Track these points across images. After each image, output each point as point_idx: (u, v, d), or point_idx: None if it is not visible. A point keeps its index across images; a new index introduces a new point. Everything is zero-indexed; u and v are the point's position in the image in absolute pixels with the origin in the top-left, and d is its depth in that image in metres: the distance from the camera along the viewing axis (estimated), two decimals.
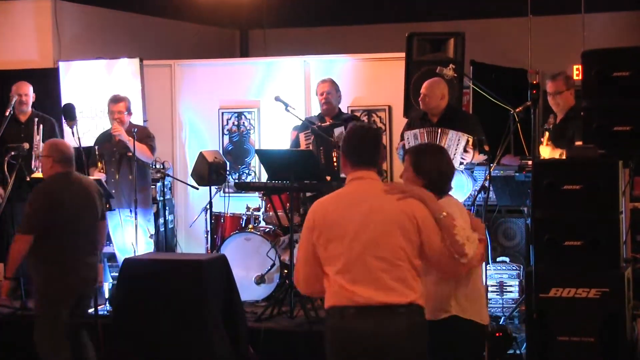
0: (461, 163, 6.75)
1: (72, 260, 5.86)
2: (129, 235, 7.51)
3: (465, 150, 6.74)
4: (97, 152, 7.67)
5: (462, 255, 4.00)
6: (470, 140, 6.77)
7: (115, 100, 7.68)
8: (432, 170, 4.31)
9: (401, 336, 3.88)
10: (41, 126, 7.96)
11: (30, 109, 8.15)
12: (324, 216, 4.01)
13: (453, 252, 3.99)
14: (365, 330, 3.88)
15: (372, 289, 3.89)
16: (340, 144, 7.17)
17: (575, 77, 8.19)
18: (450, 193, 4.41)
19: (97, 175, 7.54)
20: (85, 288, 6.02)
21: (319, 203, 4.11)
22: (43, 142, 7.91)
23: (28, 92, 8.12)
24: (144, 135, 7.67)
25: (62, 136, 8.19)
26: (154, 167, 8.22)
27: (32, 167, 7.76)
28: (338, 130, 7.39)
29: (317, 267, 4.00)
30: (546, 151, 6.53)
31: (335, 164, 7.27)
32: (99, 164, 7.60)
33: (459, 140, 6.75)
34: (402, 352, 3.90)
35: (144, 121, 8.60)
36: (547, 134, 6.63)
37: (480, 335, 4.44)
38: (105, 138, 7.74)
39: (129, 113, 7.70)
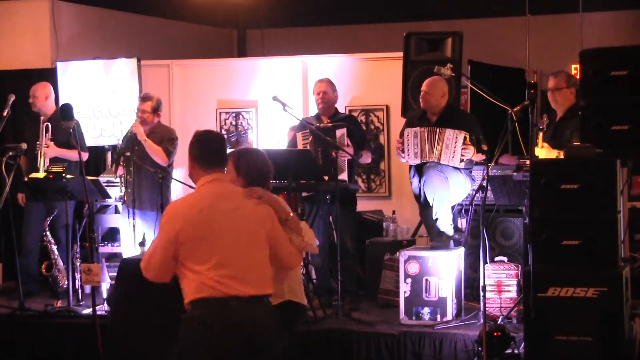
0: (462, 160, 6.74)
1: None
2: (136, 235, 7.46)
3: (464, 147, 6.74)
4: (117, 149, 7.70)
5: (306, 247, 4.66)
6: (467, 136, 6.76)
7: (143, 99, 7.71)
8: (251, 170, 4.62)
9: (268, 323, 4.26)
10: (48, 126, 7.85)
11: (52, 107, 8.02)
12: (190, 220, 4.22)
13: (300, 248, 4.56)
14: (243, 320, 4.13)
15: (244, 283, 4.21)
16: (340, 145, 7.20)
17: None
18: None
19: (113, 172, 7.57)
20: None
21: (177, 207, 4.36)
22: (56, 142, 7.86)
23: (35, 93, 7.99)
24: (165, 138, 7.64)
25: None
26: None
27: (38, 165, 7.69)
28: (340, 132, 7.33)
29: (173, 261, 4.28)
30: (542, 153, 6.50)
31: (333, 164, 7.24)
32: (121, 160, 7.57)
33: (456, 137, 6.74)
34: (269, 337, 4.26)
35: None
36: (540, 134, 6.61)
37: (301, 314, 5.28)
38: (127, 136, 7.73)
39: (156, 114, 7.67)
